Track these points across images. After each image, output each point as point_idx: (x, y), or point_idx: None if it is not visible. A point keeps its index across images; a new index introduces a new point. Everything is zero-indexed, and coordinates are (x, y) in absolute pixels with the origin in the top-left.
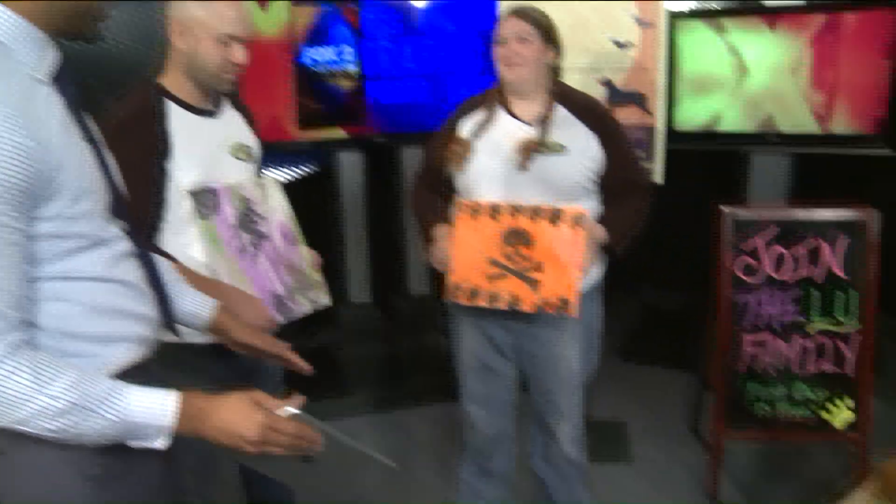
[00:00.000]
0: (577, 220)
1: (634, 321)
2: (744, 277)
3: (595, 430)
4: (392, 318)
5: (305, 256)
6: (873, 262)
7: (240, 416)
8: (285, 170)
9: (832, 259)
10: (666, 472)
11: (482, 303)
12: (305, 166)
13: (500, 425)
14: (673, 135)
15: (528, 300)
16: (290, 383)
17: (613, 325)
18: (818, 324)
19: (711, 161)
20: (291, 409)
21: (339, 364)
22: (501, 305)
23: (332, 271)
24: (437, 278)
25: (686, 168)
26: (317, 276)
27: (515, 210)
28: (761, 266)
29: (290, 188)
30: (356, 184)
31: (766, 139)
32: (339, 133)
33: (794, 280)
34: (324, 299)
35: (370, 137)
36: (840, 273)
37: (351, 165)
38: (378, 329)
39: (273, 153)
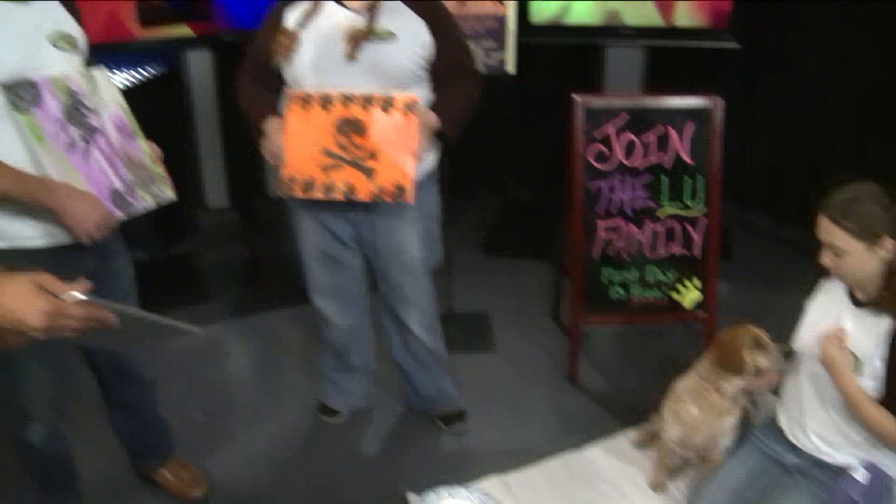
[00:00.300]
0: (410, 107)
1: (496, 215)
2: (596, 165)
3: (459, 322)
4: (251, 222)
5: (145, 150)
6: (718, 148)
7: (22, 302)
8: (128, 72)
9: (680, 145)
10: (528, 358)
11: (318, 195)
12: (150, 68)
13: (353, 317)
14: (529, 28)
15: (365, 189)
16: (146, 289)
17: (476, 220)
18: (668, 208)
19: (569, 54)
20: (77, 295)
21: (199, 270)
22: (338, 196)
23: (187, 177)
24: None
25: (545, 61)
26: (160, 170)
27: (347, 99)
28: (613, 153)
29: (135, 91)
30: (206, 84)
31: (621, 32)
32: (185, 31)
33: (644, 166)
34: (168, 193)
35: (219, 34)
36: (687, 159)
37: (200, 65)
38: (237, 233)
39: (114, 54)
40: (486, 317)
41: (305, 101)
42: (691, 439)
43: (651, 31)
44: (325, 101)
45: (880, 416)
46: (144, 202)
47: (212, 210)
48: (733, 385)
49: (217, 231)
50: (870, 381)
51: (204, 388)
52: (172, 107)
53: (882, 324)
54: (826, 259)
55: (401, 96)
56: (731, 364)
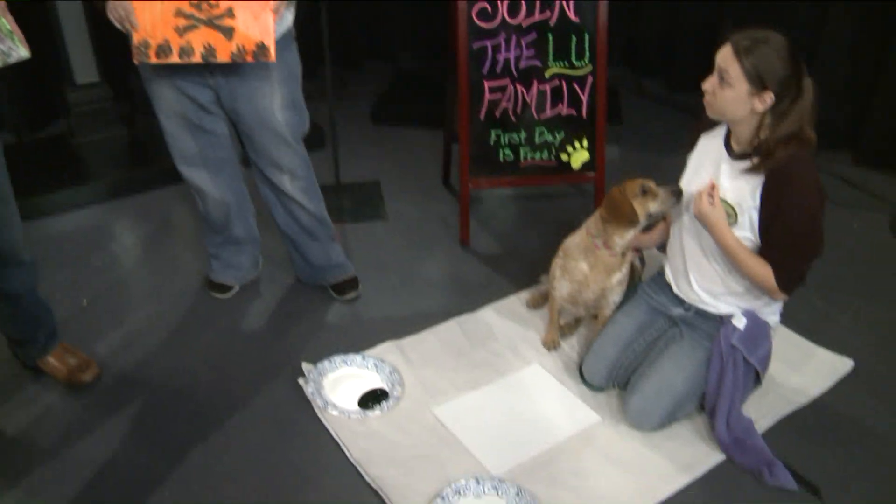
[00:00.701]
0: None
1: (386, 85)
2: (480, 23)
3: (348, 192)
4: (126, 97)
5: None
6: (604, 5)
7: None
8: None
9: (565, 2)
10: (419, 225)
11: (174, 59)
12: None
13: (226, 186)
14: None
15: (225, 50)
16: (19, 173)
17: (365, 90)
18: (554, 68)
19: None
20: None
21: (74, 151)
22: (196, 59)
23: (50, 51)
24: None
25: None
26: (6, 24)
27: None
28: (497, 10)
29: None
30: None
31: None
32: None
33: (529, 24)
34: (20, 51)
35: None
36: (573, 16)
37: None
38: (112, 109)
39: None
40: (375, 185)
41: None
42: (581, 295)
43: None
44: None
45: (757, 265)
46: None
47: (82, 86)
48: (623, 239)
49: (90, 108)
50: (748, 233)
51: (88, 273)
52: None
53: (756, 177)
54: (708, 84)
55: None
56: (622, 215)
